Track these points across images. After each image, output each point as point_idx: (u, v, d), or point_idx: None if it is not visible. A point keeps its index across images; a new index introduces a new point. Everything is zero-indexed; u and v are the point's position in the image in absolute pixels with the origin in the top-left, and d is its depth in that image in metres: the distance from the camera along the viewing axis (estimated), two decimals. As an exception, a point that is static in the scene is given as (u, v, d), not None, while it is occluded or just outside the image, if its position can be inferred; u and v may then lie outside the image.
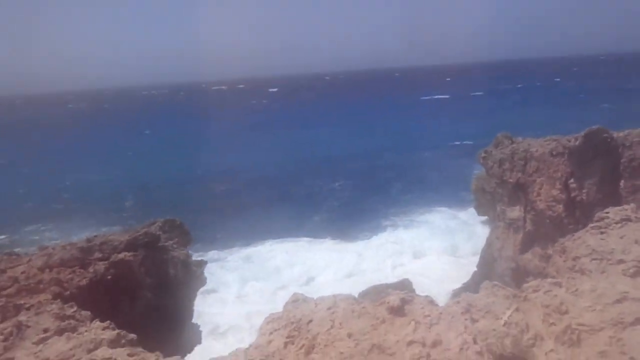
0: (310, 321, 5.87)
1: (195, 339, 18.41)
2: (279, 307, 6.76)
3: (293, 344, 5.66)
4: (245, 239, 36.98)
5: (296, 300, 6.45)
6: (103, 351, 5.75)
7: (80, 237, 22.95)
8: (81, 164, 72.68)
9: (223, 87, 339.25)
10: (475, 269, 27.56)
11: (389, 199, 44.96)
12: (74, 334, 6.86)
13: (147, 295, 16.31)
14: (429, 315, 5.73)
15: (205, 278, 18.98)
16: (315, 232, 37.79)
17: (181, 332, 17.49)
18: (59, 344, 6.37)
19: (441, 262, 32.14)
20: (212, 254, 33.86)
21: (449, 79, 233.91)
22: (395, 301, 5.95)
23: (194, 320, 18.92)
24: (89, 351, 6.00)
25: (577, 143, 21.61)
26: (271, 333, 5.95)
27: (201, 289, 19.26)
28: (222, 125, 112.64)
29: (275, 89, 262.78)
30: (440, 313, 5.76)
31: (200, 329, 19.12)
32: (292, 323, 5.91)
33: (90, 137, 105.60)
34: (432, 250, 33.71)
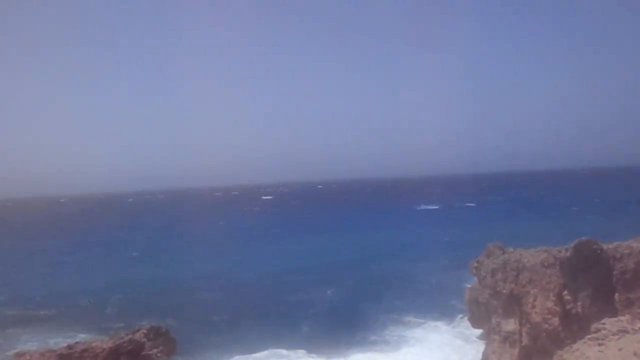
0: None
1: None
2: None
3: None
4: (229, 351, 35.29)
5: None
6: None
7: (61, 343, 21.95)
8: (66, 267, 71.31)
9: (217, 194, 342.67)
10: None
11: (380, 311, 43.77)
12: None
13: (126, 408, 15.35)
14: None
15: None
16: (303, 346, 36.21)
17: None
18: None
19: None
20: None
21: (438, 190, 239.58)
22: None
23: None
24: None
25: (567, 254, 21.88)
26: None
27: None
28: (213, 231, 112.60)
29: (269, 197, 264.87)
30: None
31: None
32: None
33: (74, 241, 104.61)
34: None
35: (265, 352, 34.70)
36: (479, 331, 32.72)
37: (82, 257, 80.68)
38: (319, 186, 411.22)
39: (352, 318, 42.44)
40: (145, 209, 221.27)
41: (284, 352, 34.90)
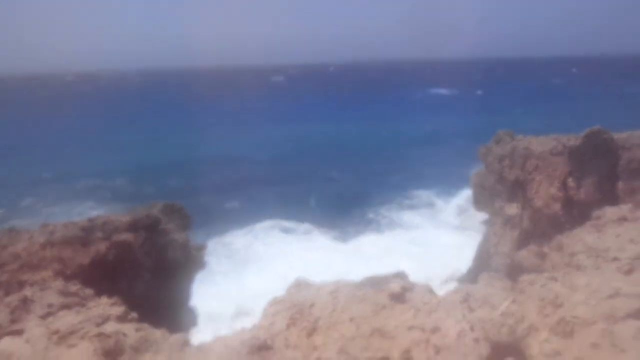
0: (313, 305, 6.05)
1: (191, 322, 18.66)
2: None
3: (295, 326, 5.84)
4: (238, 222, 37.34)
5: (299, 285, 6.63)
6: (111, 325, 5.92)
7: (78, 216, 23.08)
8: (80, 143, 72.83)
9: (225, 73, 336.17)
10: (471, 262, 27.82)
11: (385, 191, 45.07)
12: (83, 309, 7.04)
13: (146, 276, 16.51)
14: (428, 303, 5.93)
15: (205, 262, 19.22)
16: (309, 219, 38.14)
17: (178, 315, 17.73)
18: (69, 317, 6.54)
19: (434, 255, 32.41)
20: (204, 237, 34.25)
21: (451, 75, 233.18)
22: (396, 288, 6.13)
23: (190, 304, 19.15)
24: (98, 325, 6.17)
25: (577, 143, 21.79)
26: (274, 315, 6.13)
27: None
28: (224, 111, 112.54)
29: (280, 78, 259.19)
30: (440, 301, 5.95)
31: (197, 312, 19.33)
32: (295, 306, 6.09)
33: (88, 118, 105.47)
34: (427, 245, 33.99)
35: (271, 222, 37.02)
36: (481, 214, 33.92)
37: (97, 132, 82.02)
38: (331, 68, 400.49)
39: (357, 198, 43.82)
40: (156, 89, 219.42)
41: (286, 223, 37.34)
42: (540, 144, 23.83)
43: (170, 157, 62.21)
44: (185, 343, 5.78)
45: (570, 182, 22.51)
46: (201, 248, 19.42)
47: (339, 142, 71.71)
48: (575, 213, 21.95)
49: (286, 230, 36.74)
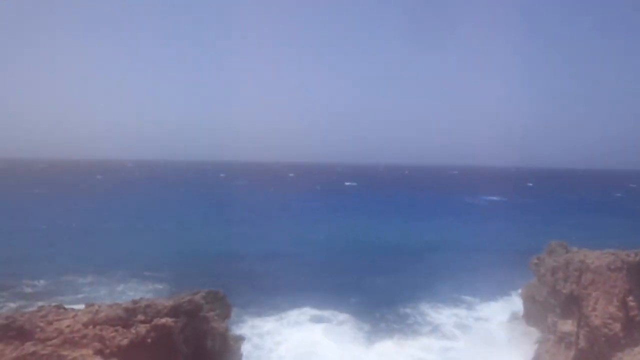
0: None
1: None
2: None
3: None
4: (276, 312, 37.15)
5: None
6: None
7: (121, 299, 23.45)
8: (119, 231, 75.50)
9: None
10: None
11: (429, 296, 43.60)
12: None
13: (183, 362, 16.27)
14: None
15: (242, 354, 18.84)
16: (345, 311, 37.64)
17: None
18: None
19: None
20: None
21: (499, 183, 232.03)
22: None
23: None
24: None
25: (637, 259, 20.80)
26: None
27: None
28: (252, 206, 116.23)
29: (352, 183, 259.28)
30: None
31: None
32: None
33: (129, 205, 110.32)
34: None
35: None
36: (532, 329, 31.90)
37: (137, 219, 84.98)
38: (406, 171, 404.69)
39: (398, 302, 42.48)
40: (200, 181, 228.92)
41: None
42: (596, 257, 22.90)
43: (208, 247, 63.57)
44: None
45: (631, 301, 21.19)
46: (239, 339, 19.14)
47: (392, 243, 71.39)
48: (637, 334, 20.38)
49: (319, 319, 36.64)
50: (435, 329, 36.34)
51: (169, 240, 68.03)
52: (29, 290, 40.78)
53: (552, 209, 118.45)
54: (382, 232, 79.15)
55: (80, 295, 38.40)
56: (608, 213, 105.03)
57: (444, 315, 38.91)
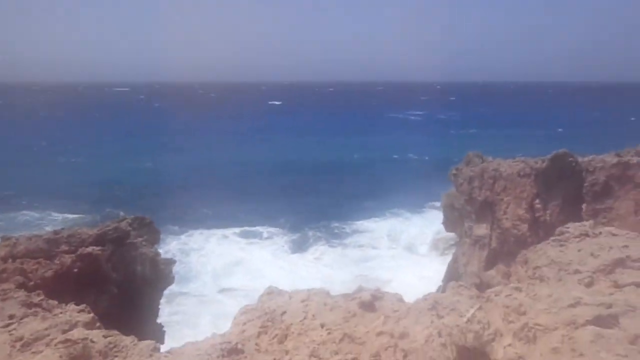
0: (284, 312, 6.08)
1: (159, 338, 18.24)
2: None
3: (266, 333, 5.86)
4: (205, 227, 37.89)
5: (271, 293, 6.66)
6: (79, 332, 5.81)
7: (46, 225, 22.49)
8: (57, 153, 71.98)
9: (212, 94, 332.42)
10: (441, 283, 28.11)
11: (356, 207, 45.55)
12: (49, 315, 6.87)
13: (113, 290, 16.14)
14: (397, 310, 6.04)
15: (173, 277, 18.89)
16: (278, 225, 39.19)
17: (145, 330, 17.32)
18: (34, 324, 6.38)
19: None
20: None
21: (424, 98, 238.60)
22: (367, 297, 6.23)
23: (158, 320, 18.74)
24: (64, 331, 6.04)
25: (543, 165, 22.48)
26: (244, 323, 6.12)
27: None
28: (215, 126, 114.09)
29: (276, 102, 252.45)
30: (409, 309, 6.06)
31: (164, 329, 18.87)
32: (266, 314, 6.11)
33: (69, 127, 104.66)
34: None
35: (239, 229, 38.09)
36: (451, 235, 34.42)
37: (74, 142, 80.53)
38: (330, 89, 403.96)
39: (327, 209, 44.18)
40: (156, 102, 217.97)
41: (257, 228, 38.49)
42: (508, 165, 24.50)
43: (141, 171, 61.74)
44: (155, 349, 5.71)
45: (537, 203, 23.15)
46: (170, 262, 19.10)
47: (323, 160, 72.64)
48: (542, 233, 22.52)
49: (252, 235, 37.83)
50: (361, 238, 38.43)
51: (86, 169, 65.08)
52: None
53: (473, 122, 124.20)
54: (310, 151, 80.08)
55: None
56: (527, 125, 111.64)
57: (371, 227, 40.99)
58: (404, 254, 36.24)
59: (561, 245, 8.08)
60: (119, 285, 16.39)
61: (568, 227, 8.84)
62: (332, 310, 6.09)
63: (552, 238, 8.60)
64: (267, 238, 37.86)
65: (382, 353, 5.35)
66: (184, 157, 71.74)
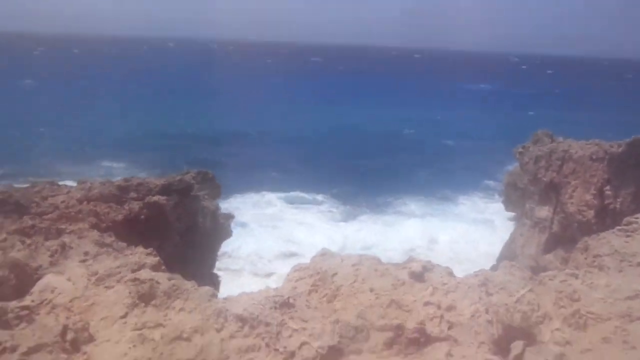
0: (335, 274, 6.31)
1: (215, 286, 19.26)
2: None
3: (317, 292, 6.13)
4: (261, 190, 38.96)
5: (324, 254, 6.90)
6: (146, 273, 6.32)
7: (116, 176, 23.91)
8: (105, 109, 74.73)
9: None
10: (495, 262, 27.61)
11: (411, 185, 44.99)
12: (120, 255, 7.48)
13: (176, 238, 17.09)
14: (446, 284, 6.12)
15: (231, 231, 19.77)
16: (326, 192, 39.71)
17: (203, 278, 18.35)
18: (107, 262, 6.98)
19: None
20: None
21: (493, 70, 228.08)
22: (417, 267, 6.34)
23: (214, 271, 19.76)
24: (133, 271, 6.59)
25: (619, 150, 21.23)
26: (297, 280, 6.42)
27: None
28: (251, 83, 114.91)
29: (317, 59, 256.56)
30: (458, 283, 6.12)
31: (220, 279, 19.90)
32: (318, 274, 6.36)
33: (111, 84, 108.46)
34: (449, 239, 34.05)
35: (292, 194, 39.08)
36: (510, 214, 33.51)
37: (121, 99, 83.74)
38: (416, 55, 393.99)
39: (381, 183, 44.03)
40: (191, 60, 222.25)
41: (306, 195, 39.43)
42: (580, 148, 23.32)
43: (197, 128, 63.59)
44: (214, 295, 6.14)
45: (608, 190, 22.00)
46: (229, 217, 19.97)
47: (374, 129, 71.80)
48: (609, 222, 21.44)
49: (304, 201, 38.65)
50: (415, 209, 38.17)
51: (149, 121, 67.68)
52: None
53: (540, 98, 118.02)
54: (367, 118, 79.34)
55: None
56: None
57: (423, 202, 40.59)
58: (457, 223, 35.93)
59: (627, 236, 7.76)
60: (181, 234, 17.35)
61: (637, 218, 8.44)
62: (382, 276, 6.25)
63: (618, 227, 8.26)
64: (320, 203, 38.57)
65: (427, 322, 5.48)
66: (257, 119, 72.85)
